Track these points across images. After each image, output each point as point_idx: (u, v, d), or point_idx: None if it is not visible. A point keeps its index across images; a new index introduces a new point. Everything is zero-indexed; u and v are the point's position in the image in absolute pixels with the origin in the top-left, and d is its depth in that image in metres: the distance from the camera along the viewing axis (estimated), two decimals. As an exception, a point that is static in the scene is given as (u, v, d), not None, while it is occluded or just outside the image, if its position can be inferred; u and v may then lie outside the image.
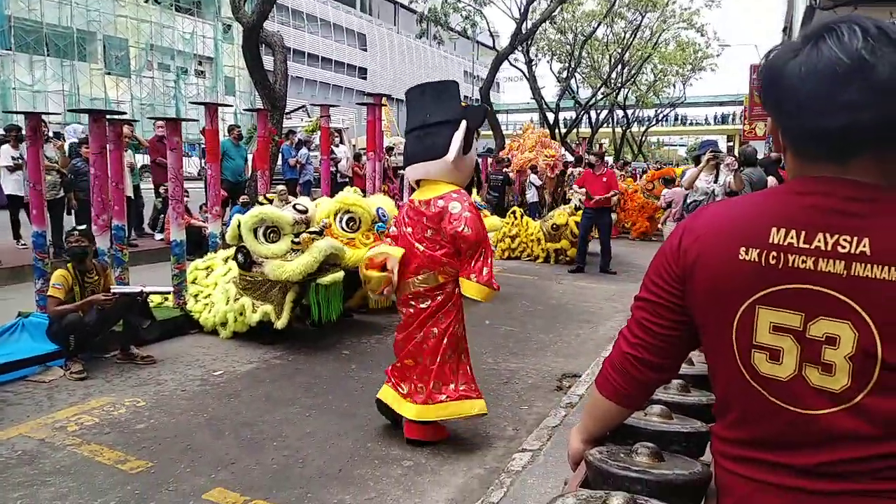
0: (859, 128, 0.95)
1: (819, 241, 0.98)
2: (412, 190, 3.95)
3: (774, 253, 1.01)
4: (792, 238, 1.00)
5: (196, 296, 5.78)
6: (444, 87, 3.74)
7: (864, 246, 0.95)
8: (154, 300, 5.51)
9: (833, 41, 0.97)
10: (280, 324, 5.18)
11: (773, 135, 1.09)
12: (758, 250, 1.02)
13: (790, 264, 1.00)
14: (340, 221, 5.80)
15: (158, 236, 9.78)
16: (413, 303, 3.55)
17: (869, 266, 0.95)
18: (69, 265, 4.55)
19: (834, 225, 0.98)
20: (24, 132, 6.32)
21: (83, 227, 4.88)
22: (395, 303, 3.81)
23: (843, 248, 0.97)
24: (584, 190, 9.48)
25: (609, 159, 25.42)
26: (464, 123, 3.56)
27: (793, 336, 1.01)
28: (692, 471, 1.27)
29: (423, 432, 3.59)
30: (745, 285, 1.03)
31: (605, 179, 9.32)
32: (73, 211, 8.65)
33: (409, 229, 3.59)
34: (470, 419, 3.71)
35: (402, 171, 4.14)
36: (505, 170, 14.39)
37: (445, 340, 3.53)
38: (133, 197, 9.30)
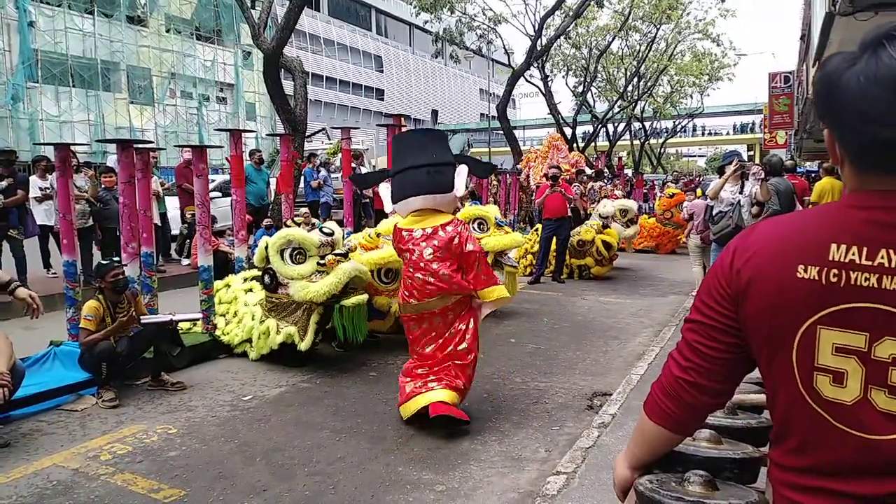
0: None
1: (882, 257, 0.94)
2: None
3: (835, 270, 0.97)
4: (853, 254, 0.96)
5: (224, 315, 5.83)
6: (442, 135, 4.65)
7: None
8: (183, 326, 5.55)
9: (894, 49, 0.93)
10: (303, 346, 5.17)
11: (829, 147, 1.06)
12: (817, 268, 0.98)
13: (852, 282, 0.96)
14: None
15: (185, 262, 9.89)
16: (426, 322, 4.10)
17: None
18: (101, 296, 4.61)
19: None
20: (52, 162, 6.47)
21: (117, 259, 4.97)
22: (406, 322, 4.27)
23: None
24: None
25: (628, 172, 25.36)
26: (464, 167, 4.36)
27: (857, 357, 0.97)
28: (748, 500, 1.23)
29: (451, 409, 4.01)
30: (805, 305, 1.00)
31: (562, 191, 9.61)
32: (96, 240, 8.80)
33: (410, 256, 4.11)
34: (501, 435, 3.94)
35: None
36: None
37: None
38: (160, 224, 9.43)
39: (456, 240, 4.07)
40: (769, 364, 1.07)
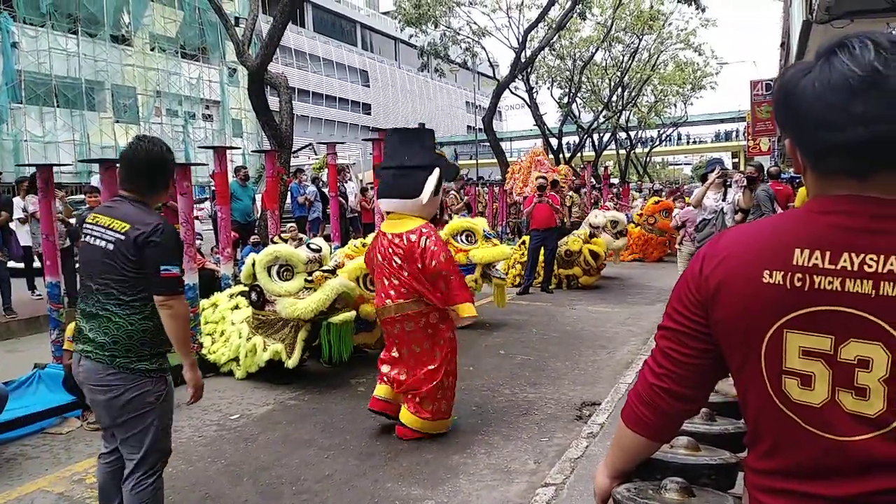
0: (877, 141, 0.94)
1: (845, 260, 0.96)
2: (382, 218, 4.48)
3: (799, 275, 0.99)
4: (816, 259, 0.98)
5: (211, 334, 5.79)
6: (421, 135, 4.36)
7: (892, 265, 0.93)
8: (168, 345, 5.51)
9: (845, 55, 0.96)
10: (291, 363, 5.14)
11: (791, 154, 1.08)
12: (782, 273, 1.00)
13: (816, 286, 0.98)
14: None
15: (171, 280, 9.82)
16: (398, 325, 4.05)
17: None
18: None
19: (858, 244, 0.96)
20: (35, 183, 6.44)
21: None
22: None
23: (870, 267, 0.94)
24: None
25: (614, 181, 25.52)
26: (437, 171, 4.07)
27: (824, 360, 0.99)
28: (724, 506, 1.23)
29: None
30: (771, 309, 1.01)
31: (549, 202, 9.68)
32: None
33: (383, 260, 4.05)
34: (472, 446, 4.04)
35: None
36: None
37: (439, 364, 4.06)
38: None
39: (417, 251, 3.93)
40: (739, 369, 1.08)
